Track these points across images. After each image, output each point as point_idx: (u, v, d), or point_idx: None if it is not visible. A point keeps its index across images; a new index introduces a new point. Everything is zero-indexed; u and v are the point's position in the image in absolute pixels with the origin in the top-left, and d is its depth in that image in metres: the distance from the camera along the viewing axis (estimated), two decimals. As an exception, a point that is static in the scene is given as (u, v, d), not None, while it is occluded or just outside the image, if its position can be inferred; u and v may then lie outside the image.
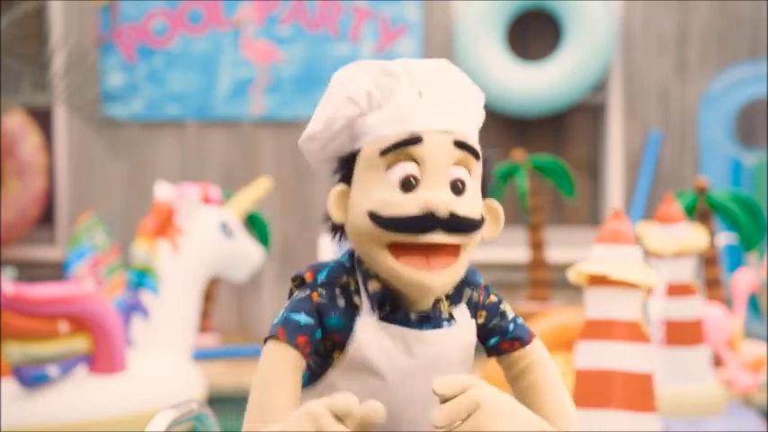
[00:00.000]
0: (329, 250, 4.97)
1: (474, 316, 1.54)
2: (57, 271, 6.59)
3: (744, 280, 5.14)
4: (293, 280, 1.50)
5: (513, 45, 7.04)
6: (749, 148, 6.82)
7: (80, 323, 4.21)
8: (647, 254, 4.17)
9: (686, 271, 4.22)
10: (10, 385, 4.19)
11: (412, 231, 1.38)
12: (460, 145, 1.42)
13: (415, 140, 1.40)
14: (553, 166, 6.10)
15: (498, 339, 1.55)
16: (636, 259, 2.84)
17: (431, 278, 1.39)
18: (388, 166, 1.41)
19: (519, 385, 1.55)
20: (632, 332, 2.79)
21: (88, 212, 6.23)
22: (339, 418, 1.27)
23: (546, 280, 6.17)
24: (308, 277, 1.48)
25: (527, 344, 1.56)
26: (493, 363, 1.59)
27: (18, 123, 6.77)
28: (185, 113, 7.08)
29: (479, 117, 1.51)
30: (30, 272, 6.74)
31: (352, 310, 1.45)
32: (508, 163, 6.10)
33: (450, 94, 1.46)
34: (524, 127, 7.15)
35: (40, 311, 4.11)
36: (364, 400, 1.33)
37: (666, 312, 4.19)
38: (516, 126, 7.12)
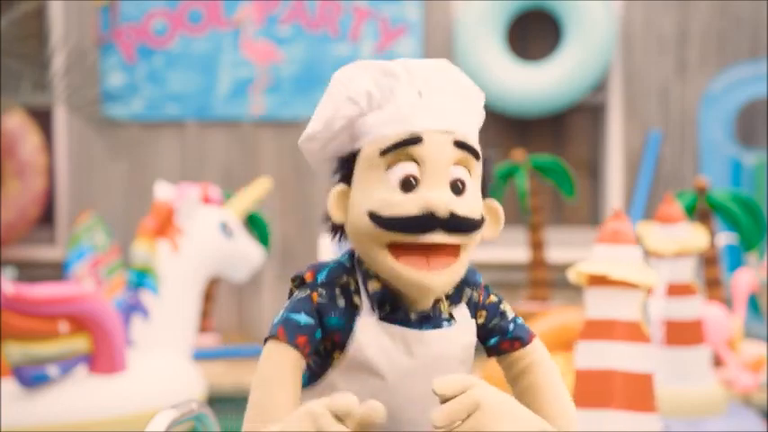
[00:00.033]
0: (329, 250, 4.97)
1: (474, 316, 1.54)
2: (57, 271, 6.59)
3: (744, 280, 5.13)
4: (293, 280, 1.50)
5: (513, 45, 7.04)
6: (749, 148, 6.82)
7: (80, 323, 4.21)
8: (648, 254, 4.17)
9: (686, 271, 4.22)
10: (10, 385, 4.19)
11: (412, 231, 1.38)
12: (460, 145, 1.42)
13: (415, 140, 1.40)
14: (553, 166, 6.10)
15: (498, 339, 1.55)
16: (636, 259, 2.84)
17: (431, 278, 1.39)
18: (388, 166, 1.40)
19: (519, 385, 1.55)
20: (632, 332, 2.79)
21: (88, 212, 6.23)
22: (339, 418, 1.27)
23: (546, 280, 6.17)
24: (308, 277, 1.48)
25: (527, 344, 1.56)
26: (493, 362, 1.60)
27: (18, 123, 6.77)
28: (185, 113, 7.08)
29: (479, 117, 1.51)
30: (30, 272, 6.74)
31: (353, 310, 1.45)
32: (508, 163, 6.09)
33: (451, 93, 1.45)
34: (524, 127, 7.15)
35: (40, 311, 4.11)
36: (364, 400, 1.33)
37: (666, 312, 4.19)
38: (516, 126, 7.12)
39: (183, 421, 1.82)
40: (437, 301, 1.48)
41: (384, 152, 1.40)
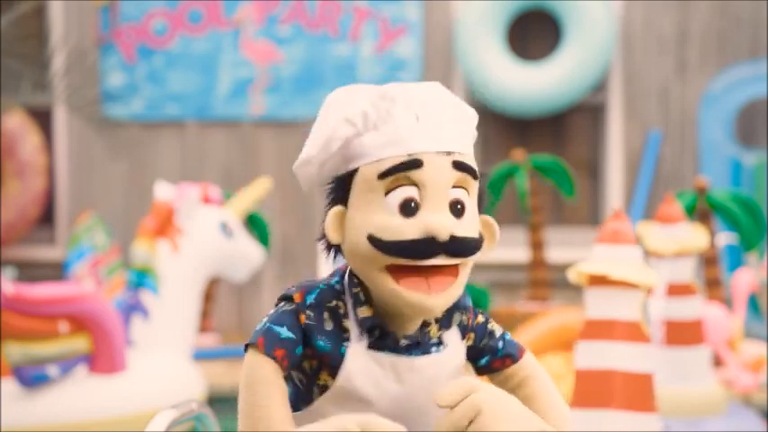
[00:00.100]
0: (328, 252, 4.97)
1: (463, 338, 1.54)
2: (57, 271, 6.59)
3: (744, 280, 5.13)
4: (280, 299, 1.50)
5: (513, 45, 7.04)
6: (749, 148, 6.82)
7: (80, 323, 4.21)
8: (648, 254, 4.17)
9: (686, 271, 4.22)
10: (10, 385, 4.19)
11: (413, 256, 1.38)
12: (459, 166, 1.41)
13: (415, 164, 1.39)
14: (553, 166, 6.10)
15: (489, 359, 1.56)
16: (636, 259, 2.84)
17: (431, 300, 1.39)
18: (388, 190, 1.40)
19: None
20: (632, 332, 2.79)
21: (88, 212, 6.23)
22: None
23: (546, 280, 6.16)
24: (297, 298, 1.47)
25: (518, 359, 1.56)
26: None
27: (18, 123, 6.77)
28: (185, 113, 7.08)
29: (473, 136, 1.51)
30: (30, 272, 6.74)
31: (341, 335, 1.45)
32: (508, 163, 6.09)
33: (447, 116, 1.45)
34: (524, 127, 7.14)
35: (40, 311, 4.11)
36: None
37: (666, 312, 4.19)
38: (516, 126, 7.12)
39: (183, 421, 1.82)
40: (426, 326, 1.48)
41: (383, 175, 1.39)
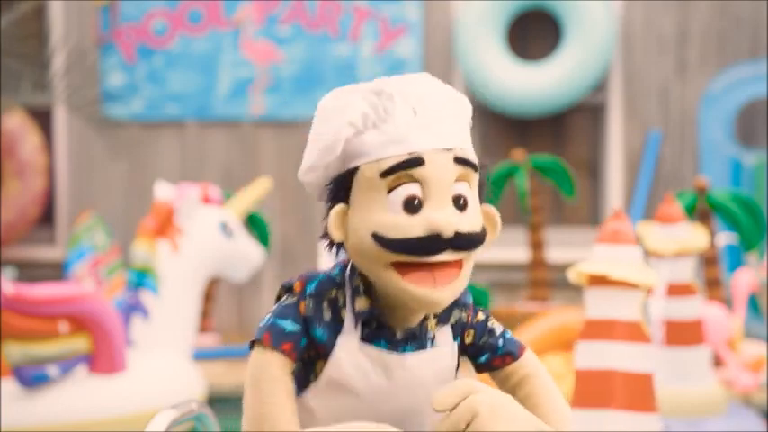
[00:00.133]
0: (328, 254, 4.97)
1: (461, 336, 1.54)
2: (57, 271, 6.59)
3: (744, 280, 5.13)
4: (282, 288, 1.51)
5: (513, 45, 7.04)
6: (749, 148, 6.82)
7: (80, 323, 4.21)
8: (648, 254, 4.17)
9: (686, 271, 4.21)
10: (10, 385, 4.19)
11: (420, 253, 1.38)
12: (461, 161, 1.42)
13: (417, 162, 1.40)
14: (553, 166, 6.10)
15: (489, 356, 1.56)
16: (636, 259, 2.84)
17: (437, 294, 1.40)
18: (390, 188, 1.40)
19: (515, 398, 1.55)
20: (632, 332, 2.79)
21: (88, 212, 6.22)
22: None
23: (546, 280, 6.16)
24: (297, 287, 1.48)
25: (518, 357, 1.56)
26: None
27: (18, 123, 6.77)
28: (185, 113, 7.08)
29: (469, 126, 1.51)
30: (30, 272, 6.74)
31: (338, 325, 1.46)
32: (508, 163, 6.09)
33: (444, 110, 1.45)
34: (524, 127, 7.14)
35: (40, 311, 4.11)
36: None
37: (666, 312, 4.19)
38: (516, 126, 7.12)
39: (183, 421, 1.82)
40: (425, 319, 1.48)
41: (385, 174, 1.40)
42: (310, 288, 1.47)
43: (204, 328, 6.39)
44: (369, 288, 1.46)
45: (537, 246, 6.14)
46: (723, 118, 6.76)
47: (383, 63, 6.94)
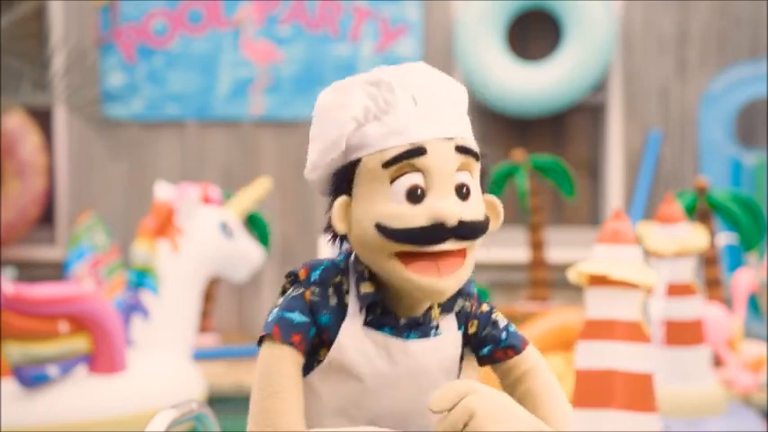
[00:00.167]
0: (329, 251, 4.97)
1: (465, 326, 1.54)
2: (57, 271, 6.59)
3: (744, 280, 5.13)
4: (287, 276, 1.51)
5: (513, 45, 7.04)
6: (749, 148, 6.82)
7: (80, 323, 4.21)
8: (648, 254, 4.17)
9: (686, 271, 4.21)
10: (10, 385, 4.19)
11: (423, 243, 1.39)
12: (462, 150, 1.43)
13: (419, 152, 1.40)
14: (553, 166, 6.10)
15: (491, 348, 1.56)
16: (636, 259, 2.84)
17: (442, 283, 1.40)
18: (393, 178, 1.41)
19: (516, 392, 1.55)
20: (633, 332, 2.79)
21: (88, 212, 6.23)
22: None
23: (546, 280, 6.16)
24: (302, 274, 1.48)
25: (521, 351, 1.56)
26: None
27: (18, 123, 6.77)
28: (185, 113, 7.08)
29: (468, 113, 1.51)
30: (30, 272, 6.74)
31: (343, 310, 1.46)
32: (508, 163, 6.09)
33: (443, 96, 1.46)
34: (524, 127, 7.14)
35: (40, 311, 4.11)
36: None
37: (666, 312, 4.19)
38: (516, 126, 7.12)
39: (183, 421, 1.82)
40: (429, 308, 1.49)
41: (387, 164, 1.40)
42: (315, 275, 1.48)
43: (204, 328, 6.40)
44: (373, 275, 1.46)
45: (537, 246, 6.14)
46: (723, 118, 6.76)
47: (383, 63, 6.89)
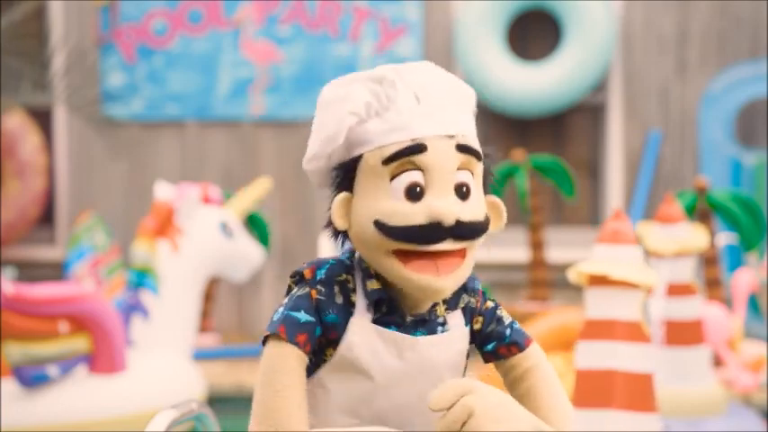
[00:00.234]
0: (329, 250, 4.97)
1: (470, 322, 1.54)
2: (57, 271, 6.59)
3: (744, 280, 5.13)
4: (292, 276, 1.51)
5: (513, 45, 7.04)
6: (749, 148, 6.82)
7: (80, 323, 4.21)
8: (648, 254, 4.16)
9: (686, 271, 4.21)
10: (10, 385, 4.19)
11: (420, 241, 1.39)
12: (463, 149, 1.42)
13: (419, 149, 1.40)
14: (553, 166, 6.10)
15: (495, 345, 1.56)
16: (636, 259, 2.84)
17: (440, 282, 1.40)
18: (393, 175, 1.41)
19: (518, 390, 1.55)
20: (633, 332, 2.79)
21: (88, 212, 6.22)
22: None
23: (546, 280, 6.16)
24: (308, 274, 1.48)
25: (524, 348, 1.56)
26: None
27: (18, 123, 6.77)
28: (185, 113, 7.08)
29: (473, 114, 1.51)
30: (30, 272, 6.74)
31: (349, 308, 1.46)
32: (508, 163, 6.09)
33: (447, 97, 1.45)
34: (524, 127, 7.14)
35: (40, 311, 4.11)
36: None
37: (666, 312, 4.19)
38: (516, 126, 7.12)
39: (183, 421, 1.82)
40: (434, 305, 1.48)
41: (387, 161, 1.40)
42: (321, 273, 1.47)
43: (204, 328, 6.40)
44: (378, 272, 1.46)
45: (537, 246, 6.14)
46: (723, 118, 6.76)
47: (383, 63, 6.89)
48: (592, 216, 7.18)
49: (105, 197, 7.10)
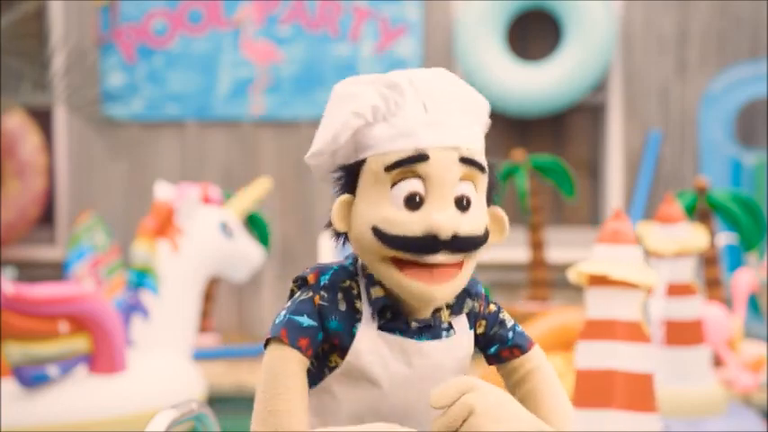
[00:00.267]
0: (329, 250, 4.97)
1: (474, 326, 1.54)
2: (57, 271, 6.59)
3: (744, 280, 5.13)
4: (295, 281, 1.50)
5: (513, 45, 7.04)
6: (749, 148, 6.82)
7: (80, 323, 4.21)
8: (648, 254, 4.17)
9: (686, 271, 4.22)
10: (10, 385, 4.19)
11: (415, 252, 1.38)
12: (466, 161, 1.42)
13: (421, 158, 1.39)
14: (553, 166, 6.10)
15: (498, 348, 1.56)
16: (636, 259, 2.84)
17: (435, 290, 1.40)
18: (394, 183, 1.40)
19: (519, 392, 1.55)
20: (633, 332, 2.79)
21: (88, 212, 6.23)
22: None
23: (546, 280, 6.17)
24: (311, 279, 1.48)
25: (526, 351, 1.57)
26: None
27: (18, 123, 6.77)
28: (185, 113, 7.08)
29: (485, 125, 1.50)
30: (30, 272, 6.74)
31: (353, 315, 1.45)
32: (508, 163, 6.10)
33: (455, 105, 1.45)
34: (524, 127, 7.14)
35: (40, 311, 4.11)
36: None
37: (666, 312, 4.19)
38: (516, 126, 7.12)
39: (183, 421, 1.82)
40: (437, 310, 1.48)
41: (389, 168, 1.40)
42: (324, 279, 1.47)
43: (204, 328, 6.40)
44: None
45: (537, 246, 6.14)
46: (723, 118, 6.76)
47: (383, 63, 6.94)
48: (592, 216, 7.19)
49: (105, 197, 7.10)
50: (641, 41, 6.99)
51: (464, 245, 1.40)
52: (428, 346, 1.47)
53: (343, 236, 1.48)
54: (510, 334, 1.56)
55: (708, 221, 5.20)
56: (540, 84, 6.74)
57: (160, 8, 7.05)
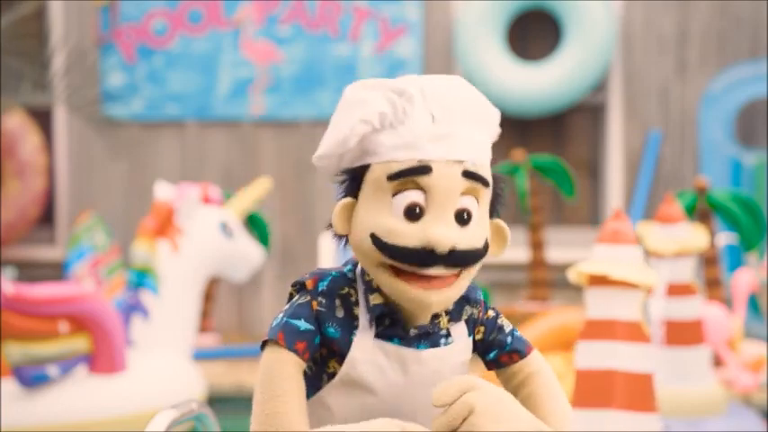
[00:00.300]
0: (329, 250, 4.97)
1: (472, 332, 1.54)
2: (57, 271, 6.59)
3: (744, 280, 5.13)
4: (294, 286, 1.50)
5: (513, 45, 7.04)
6: (749, 148, 6.82)
7: (80, 323, 4.21)
8: (648, 254, 4.17)
9: (686, 271, 4.22)
10: (10, 385, 4.19)
11: (411, 263, 1.38)
12: (470, 175, 1.41)
13: (423, 170, 1.39)
14: (553, 166, 6.10)
15: (497, 353, 1.56)
16: (636, 259, 2.84)
17: (431, 295, 1.40)
18: (395, 192, 1.40)
19: (518, 396, 1.55)
20: (633, 332, 2.79)
21: (88, 212, 6.23)
22: None
23: (546, 280, 6.16)
24: (310, 284, 1.48)
25: (525, 356, 1.57)
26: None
27: (18, 123, 6.77)
28: (185, 113, 7.08)
29: (493, 136, 1.49)
30: (30, 272, 6.74)
31: (351, 322, 1.46)
32: (508, 163, 6.09)
33: (465, 116, 1.43)
34: (524, 127, 7.14)
35: (40, 311, 4.11)
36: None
37: (666, 312, 4.19)
38: (516, 126, 7.12)
39: (183, 421, 1.82)
40: (436, 317, 1.48)
41: (392, 177, 1.39)
42: (323, 285, 1.47)
43: (204, 328, 6.40)
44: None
45: (537, 246, 6.14)
46: (723, 118, 6.76)
47: (383, 63, 6.94)
48: (592, 216, 7.18)
49: (105, 197, 7.10)
50: (641, 41, 6.99)
51: (461, 259, 1.39)
52: (426, 354, 1.47)
53: (344, 238, 1.48)
54: (509, 339, 1.56)
55: (708, 221, 5.20)
56: (540, 84, 6.74)
57: (160, 8, 7.05)
